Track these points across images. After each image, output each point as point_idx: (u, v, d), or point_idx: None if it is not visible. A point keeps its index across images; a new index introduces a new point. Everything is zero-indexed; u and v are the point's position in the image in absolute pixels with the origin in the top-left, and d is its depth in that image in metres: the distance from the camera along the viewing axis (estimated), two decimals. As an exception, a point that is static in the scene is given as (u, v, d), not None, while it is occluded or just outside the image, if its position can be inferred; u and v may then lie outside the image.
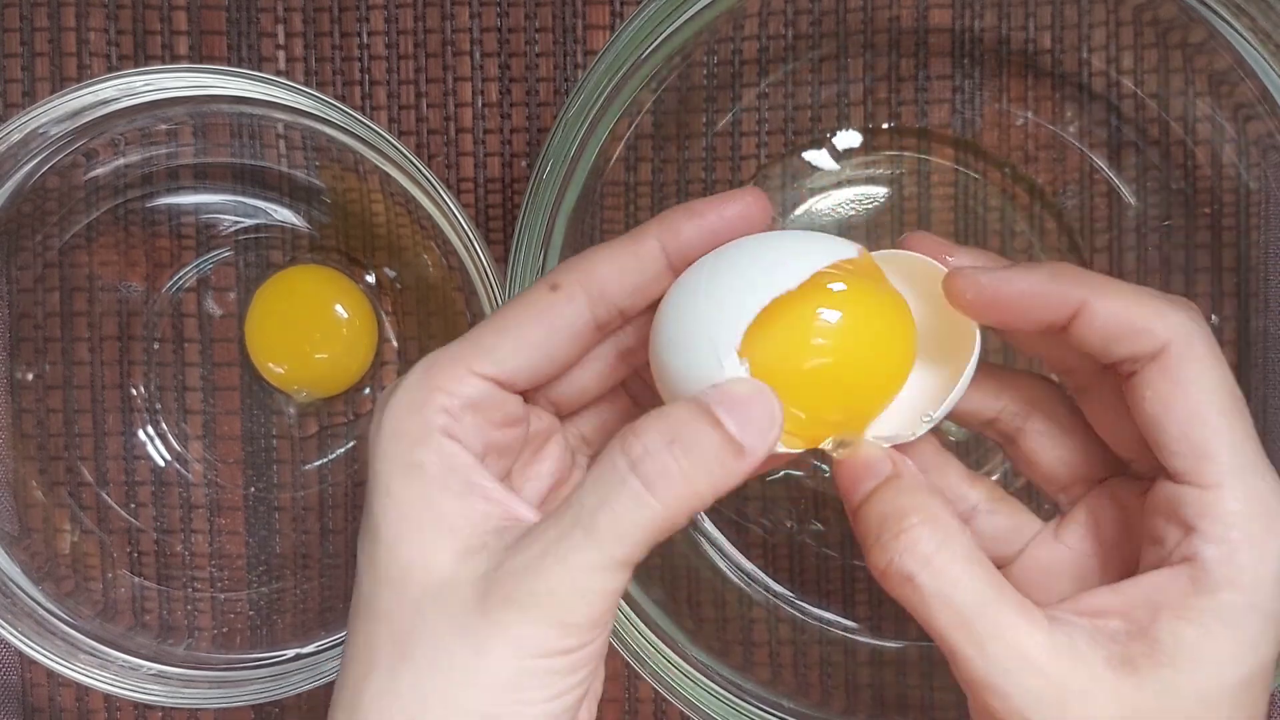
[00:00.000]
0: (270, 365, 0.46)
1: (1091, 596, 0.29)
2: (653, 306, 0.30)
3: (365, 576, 0.28)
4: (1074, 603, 0.28)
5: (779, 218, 0.45)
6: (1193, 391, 0.28)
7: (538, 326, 0.29)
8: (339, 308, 0.45)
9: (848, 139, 0.45)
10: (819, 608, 0.45)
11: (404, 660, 0.27)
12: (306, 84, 0.45)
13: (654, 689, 0.40)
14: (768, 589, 0.45)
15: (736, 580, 0.45)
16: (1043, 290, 0.29)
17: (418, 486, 0.28)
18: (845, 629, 0.45)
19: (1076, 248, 0.44)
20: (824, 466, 0.46)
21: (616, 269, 0.29)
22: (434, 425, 0.28)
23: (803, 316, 0.28)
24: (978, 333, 0.30)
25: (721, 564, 0.45)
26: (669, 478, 0.26)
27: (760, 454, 0.27)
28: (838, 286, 0.29)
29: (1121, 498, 0.31)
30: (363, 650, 0.27)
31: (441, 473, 0.27)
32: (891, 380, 0.30)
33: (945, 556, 0.28)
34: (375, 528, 0.28)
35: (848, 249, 0.29)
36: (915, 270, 0.31)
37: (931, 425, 0.30)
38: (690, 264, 0.29)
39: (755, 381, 0.27)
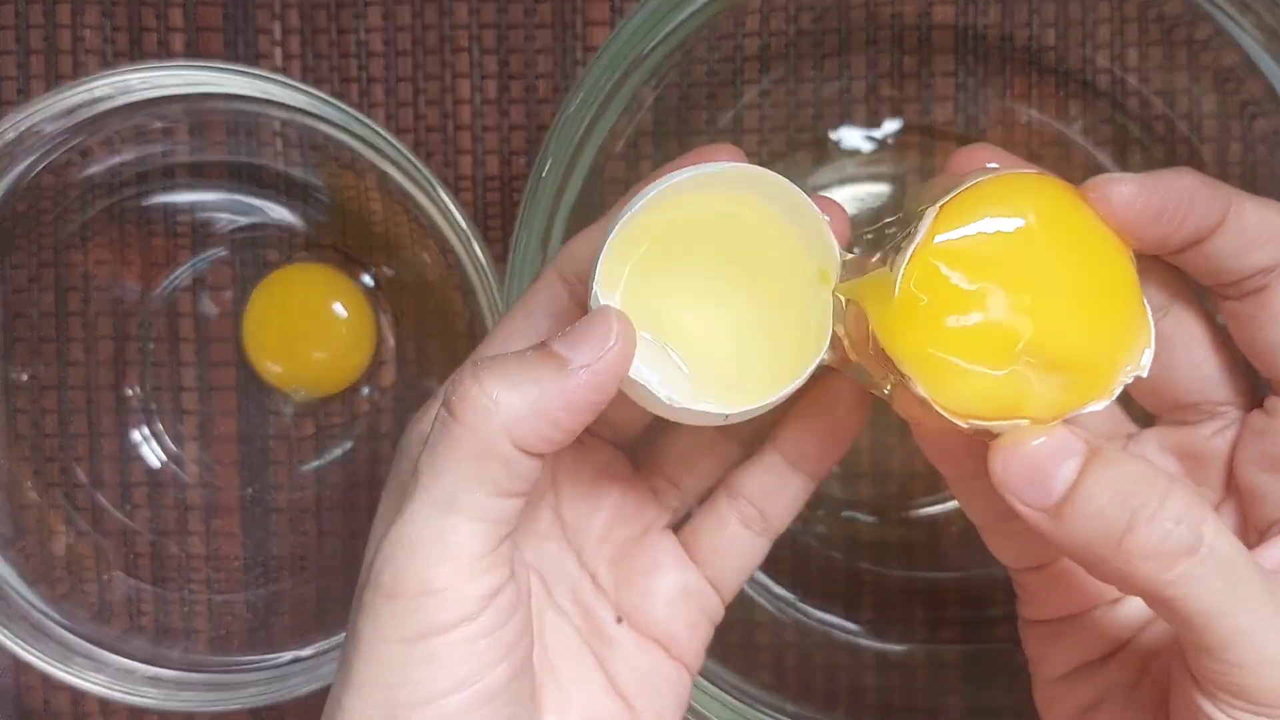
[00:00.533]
0: (268, 365, 0.45)
1: (1268, 549, 0.27)
2: None
3: None
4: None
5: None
6: None
7: (519, 313, 0.28)
8: (337, 306, 0.45)
9: (851, 136, 0.45)
10: (823, 610, 0.45)
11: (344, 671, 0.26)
12: (303, 81, 0.45)
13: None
14: (771, 592, 0.45)
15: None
16: (1203, 192, 0.26)
17: (389, 490, 0.28)
18: (849, 632, 0.45)
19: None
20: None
21: (587, 244, 0.28)
22: (424, 433, 0.27)
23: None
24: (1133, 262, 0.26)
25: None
26: (467, 395, 0.24)
27: (591, 361, 0.24)
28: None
29: (1175, 446, 0.30)
30: None
31: (407, 478, 0.27)
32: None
33: (1214, 520, 0.24)
34: None
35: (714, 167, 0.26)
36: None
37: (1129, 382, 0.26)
38: None
39: (603, 306, 0.25)
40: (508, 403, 0.24)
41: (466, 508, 0.24)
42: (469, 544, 0.24)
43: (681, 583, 0.30)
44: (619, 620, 0.29)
